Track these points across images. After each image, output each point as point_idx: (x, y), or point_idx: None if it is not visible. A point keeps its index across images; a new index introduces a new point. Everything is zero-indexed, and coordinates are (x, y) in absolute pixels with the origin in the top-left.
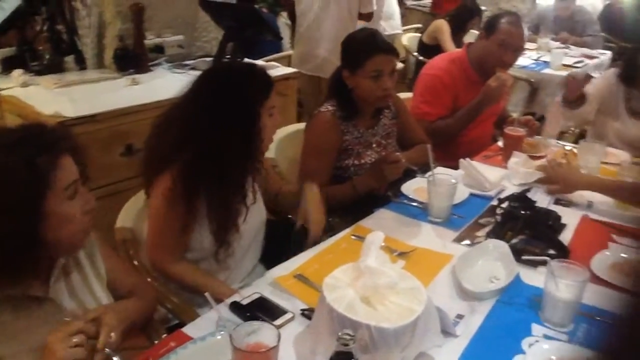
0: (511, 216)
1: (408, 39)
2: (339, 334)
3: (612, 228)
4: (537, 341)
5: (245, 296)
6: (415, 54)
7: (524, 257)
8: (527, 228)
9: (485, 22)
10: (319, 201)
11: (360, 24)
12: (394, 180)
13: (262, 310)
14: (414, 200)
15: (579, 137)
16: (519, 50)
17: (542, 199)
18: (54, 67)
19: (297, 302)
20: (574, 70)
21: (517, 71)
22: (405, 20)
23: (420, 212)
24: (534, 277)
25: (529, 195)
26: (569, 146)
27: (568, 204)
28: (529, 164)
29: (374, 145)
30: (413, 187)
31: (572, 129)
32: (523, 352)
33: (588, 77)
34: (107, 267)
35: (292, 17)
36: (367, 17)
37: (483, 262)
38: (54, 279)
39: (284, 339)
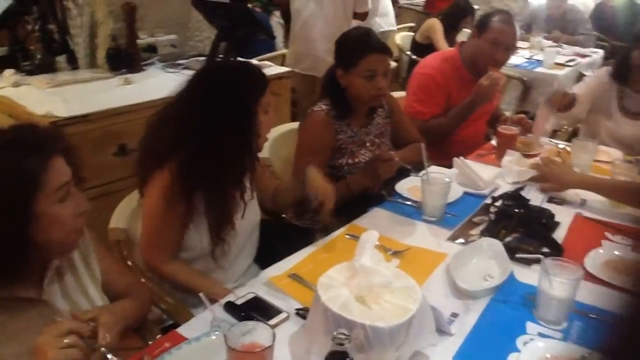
0: (505, 214)
1: (401, 38)
2: (334, 333)
3: (606, 226)
4: (531, 339)
5: (239, 296)
6: (409, 53)
7: (517, 255)
8: (520, 226)
9: (477, 21)
10: (322, 177)
11: (355, 23)
12: (388, 179)
13: (257, 310)
14: (408, 199)
15: (572, 136)
16: (511, 48)
17: (535, 197)
18: (46, 67)
19: (292, 302)
20: (559, 91)
21: (510, 70)
22: (398, 19)
23: (415, 211)
24: (528, 275)
25: (523, 193)
26: (562, 144)
27: (561, 202)
28: (523, 162)
29: (367, 144)
30: (407, 186)
31: (565, 127)
32: (518, 350)
33: (572, 99)
34: (101, 268)
35: (285, 16)
36: (363, 16)
37: (477, 261)
38: (48, 281)
39: (278, 338)
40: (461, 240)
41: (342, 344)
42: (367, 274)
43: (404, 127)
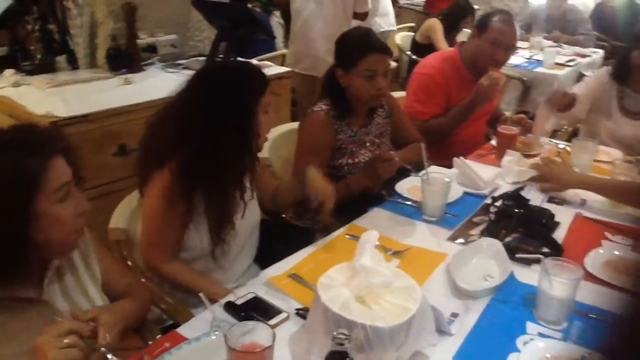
0: (505, 214)
1: (401, 38)
2: (334, 333)
3: (606, 226)
4: (531, 339)
5: (239, 296)
6: (409, 53)
7: (517, 255)
8: (520, 226)
9: (477, 21)
10: (322, 177)
11: (355, 23)
12: (388, 179)
13: (257, 310)
14: (408, 199)
15: (572, 136)
16: (511, 48)
17: (535, 197)
18: (46, 67)
19: (292, 302)
20: (559, 91)
21: (510, 70)
22: (398, 19)
23: (415, 211)
24: (528, 275)
25: (523, 193)
26: (562, 144)
27: (561, 202)
28: (523, 162)
29: (367, 144)
30: (407, 186)
31: (565, 127)
32: (518, 350)
33: (572, 99)
34: (101, 268)
35: (285, 16)
36: (363, 16)
37: (477, 261)
38: (48, 281)
39: (278, 338)
40: (461, 240)
41: (342, 344)
42: (367, 274)
43: (404, 127)
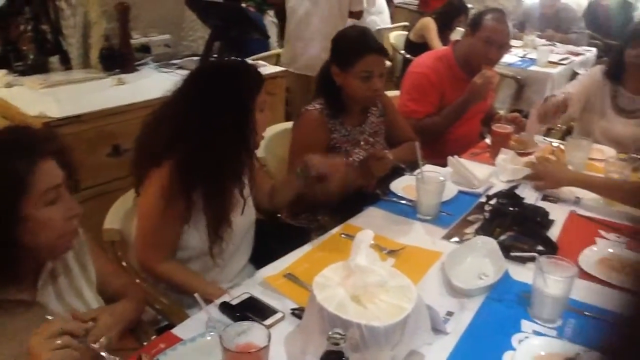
0: (499, 213)
1: (395, 37)
2: (330, 333)
3: (600, 224)
4: (526, 337)
5: (235, 296)
6: (403, 52)
7: (512, 254)
8: (515, 224)
9: (471, 19)
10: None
11: (350, 22)
12: (383, 178)
13: (252, 310)
14: (403, 198)
15: (566, 134)
16: (504, 46)
17: (530, 196)
18: (39, 68)
19: (287, 302)
20: (551, 103)
21: (504, 68)
22: (392, 18)
23: (410, 209)
24: (522, 274)
25: (517, 191)
26: (556, 142)
27: (556, 200)
28: (517, 160)
29: (361, 143)
30: (402, 185)
31: (559, 125)
32: (513, 349)
33: (564, 107)
34: (96, 268)
35: (279, 15)
36: (358, 14)
37: (472, 259)
38: (42, 283)
39: (274, 339)
40: (456, 238)
41: (337, 344)
42: (362, 273)
43: (398, 125)
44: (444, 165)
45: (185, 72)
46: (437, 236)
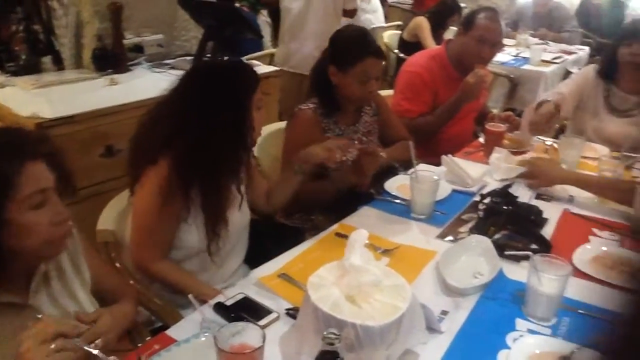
0: (493, 212)
1: (389, 36)
2: (324, 333)
3: (593, 222)
4: (521, 336)
5: (229, 297)
6: (396, 51)
7: (506, 252)
8: (509, 223)
9: (463, 18)
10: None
11: (345, 20)
12: (377, 178)
13: (247, 310)
14: (397, 198)
15: (559, 132)
16: (496, 45)
17: (523, 194)
18: (31, 68)
19: (282, 302)
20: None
21: (497, 67)
22: (386, 17)
23: (404, 209)
24: (517, 272)
25: (511, 190)
26: (549, 141)
27: (549, 198)
28: (511, 159)
29: (355, 143)
30: (396, 184)
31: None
32: (508, 347)
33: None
34: (90, 269)
35: (273, 15)
36: (351, 13)
37: (466, 258)
38: (34, 286)
39: (269, 339)
40: (450, 237)
41: (332, 344)
42: (357, 273)
43: (391, 125)
44: (438, 164)
45: (178, 72)
46: (432, 235)
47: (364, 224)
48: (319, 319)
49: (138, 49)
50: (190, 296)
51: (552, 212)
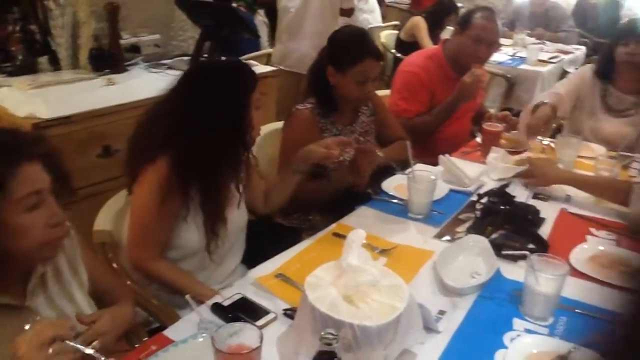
0: (491, 211)
1: (386, 36)
2: (322, 333)
3: (590, 221)
4: (518, 335)
5: (226, 297)
6: (393, 51)
7: (504, 252)
8: (506, 223)
9: (460, 18)
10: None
11: (342, 20)
12: (375, 178)
13: (244, 311)
14: (395, 197)
15: (556, 132)
16: (493, 45)
17: (521, 194)
18: (28, 68)
19: (279, 302)
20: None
21: (494, 67)
22: (383, 17)
23: (401, 209)
24: (514, 272)
25: (508, 190)
26: (546, 141)
27: (546, 198)
28: (508, 159)
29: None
30: (393, 184)
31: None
32: (505, 347)
33: (552, 116)
34: (87, 270)
35: (270, 15)
36: (348, 12)
37: (464, 258)
38: (31, 288)
39: (266, 339)
40: (447, 237)
41: (330, 344)
42: (354, 273)
43: (388, 124)
44: (435, 164)
45: (175, 73)
46: (429, 235)
47: (361, 223)
48: (316, 319)
49: (135, 49)
50: (187, 297)
51: (549, 212)
